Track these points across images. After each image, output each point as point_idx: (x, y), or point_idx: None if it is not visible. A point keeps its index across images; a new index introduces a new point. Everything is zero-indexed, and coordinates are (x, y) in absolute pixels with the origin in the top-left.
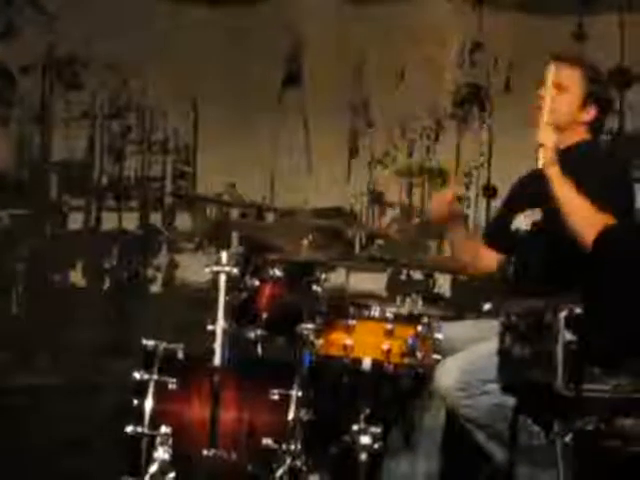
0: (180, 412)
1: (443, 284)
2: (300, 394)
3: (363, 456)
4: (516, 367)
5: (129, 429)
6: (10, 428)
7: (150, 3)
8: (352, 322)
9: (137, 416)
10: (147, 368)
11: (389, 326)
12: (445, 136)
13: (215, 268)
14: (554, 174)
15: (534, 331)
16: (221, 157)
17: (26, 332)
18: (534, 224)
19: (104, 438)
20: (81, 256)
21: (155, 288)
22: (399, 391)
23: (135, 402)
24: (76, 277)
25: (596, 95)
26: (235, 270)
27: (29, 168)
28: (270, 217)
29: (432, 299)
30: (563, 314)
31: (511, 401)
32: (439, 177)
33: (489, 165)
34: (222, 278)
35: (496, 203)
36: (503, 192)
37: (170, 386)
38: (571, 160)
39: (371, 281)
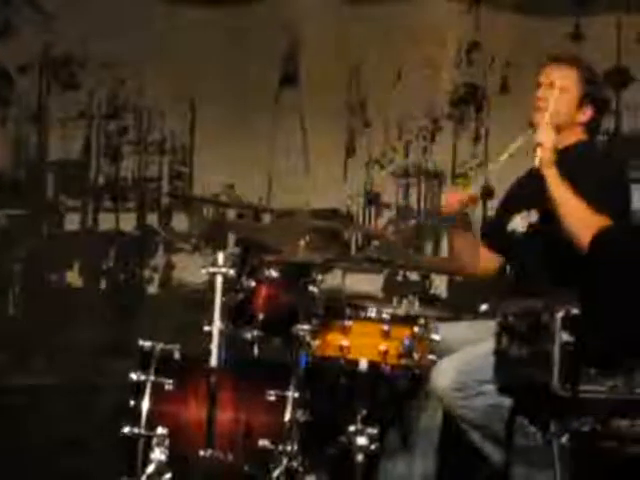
0: (177, 413)
1: (439, 285)
2: (297, 395)
3: (360, 457)
4: (513, 368)
5: (126, 430)
6: (7, 428)
7: (147, 3)
8: (348, 323)
9: (134, 417)
10: (144, 369)
11: (385, 327)
12: (442, 136)
13: (212, 269)
14: (551, 175)
15: (531, 332)
16: (218, 157)
17: (23, 332)
18: (530, 225)
19: (101, 438)
20: (78, 257)
21: (152, 289)
22: (396, 392)
23: (132, 403)
24: (73, 278)
25: (592, 96)
26: (231, 271)
27: (26, 168)
28: (267, 218)
29: (428, 300)
30: (560, 315)
31: (507, 402)
32: (436, 178)
33: (486, 166)
34: (219, 279)
35: (493, 204)
36: (500, 193)
37: (167, 387)
38: (568, 161)
39: (367, 282)
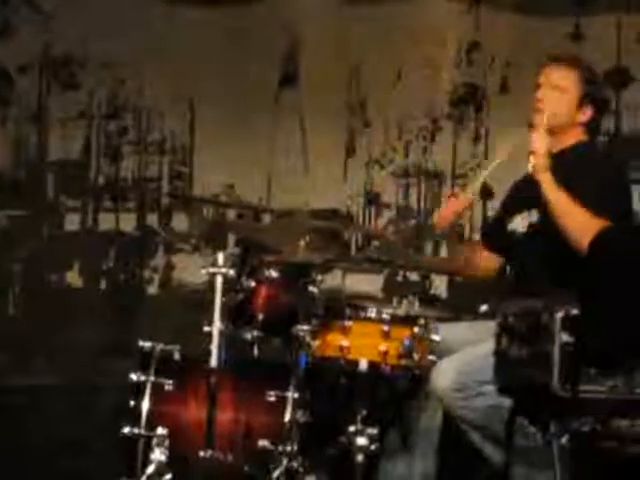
0: (177, 413)
1: (439, 285)
2: (296, 395)
3: (360, 457)
4: (513, 368)
5: (126, 430)
6: (7, 428)
7: (147, 3)
8: (348, 323)
9: (134, 417)
10: (144, 369)
11: (385, 327)
12: (442, 136)
13: (212, 269)
14: (546, 180)
15: (531, 332)
16: (218, 158)
17: (23, 333)
18: (531, 225)
19: (101, 439)
20: (78, 257)
21: (152, 289)
22: (395, 392)
23: (132, 403)
24: (73, 278)
25: (592, 96)
26: (231, 271)
27: (26, 168)
28: (267, 218)
29: (428, 300)
30: (559, 315)
31: (507, 402)
32: (436, 178)
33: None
34: (219, 279)
35: (492, 204)
36: (499, 193)
37: (167, 387)
38: (568, 162)
39: (367, 282)
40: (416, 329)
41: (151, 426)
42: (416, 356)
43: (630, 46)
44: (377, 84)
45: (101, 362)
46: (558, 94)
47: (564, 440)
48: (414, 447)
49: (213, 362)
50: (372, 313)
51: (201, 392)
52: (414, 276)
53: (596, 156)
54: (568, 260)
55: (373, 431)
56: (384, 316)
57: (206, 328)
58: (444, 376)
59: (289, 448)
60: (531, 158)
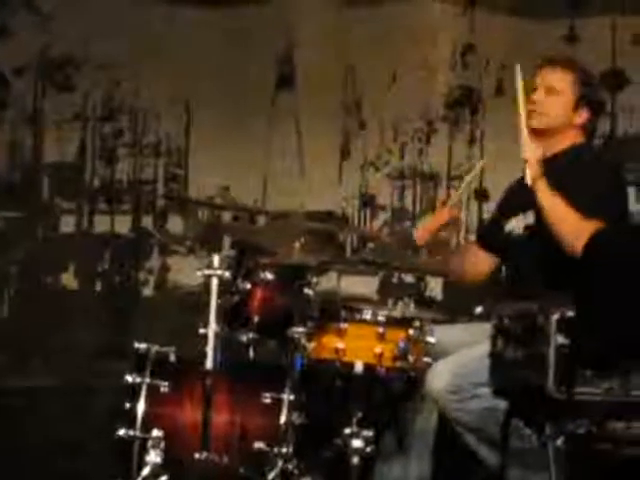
0: (172, 415)
1: (435, 287)
2: (292, 397)
3: (355, 459)
4: (508, 370)
5: (121, 432)
6: (2, 429)
7: (144, 4)
8: (344, 325)
9: (129, 419)
10: (139, 371)
11: (381, 329)
12: (437, 139)
13: (207, 271)
14: (541, 188)
15: (526, 334)
16: (213, 160)
17: (18, 335)
18: (527, 227)
19: (97, 441)
20: (73, 259)
21: (147, 291)
22: (391, 394)
23: (127, 405)
24: (68, 280)
25: (588, 98)
26: (227, 273)
27: (21, 170)
28: (262, 220)
29: (424, 302)
30: (555, 317)
31: (502, 404)
32: (431, 180)
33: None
34: (214, 281)
35: (488, 206)
36: (495, 195)
37: (162, 389)
38: (564, 164)
39: (363, 284)
40: (411, 331)
41: (146, 428)
42: (411, 358)
43: (625, 48)
44: (372, 86)
45: (96, 364)
46: (554, 96)
47: (559, 442)
48: (409, 449)
49: (208, 364)
50: (367, 315)
51: (196, 394)
52: (409, 278)
53: (592, 158)
54: (564, 262)
55: (368, 433)
56: (379, 318)
57: (201, 330)
58: (439, 378)
59: (284, 450)
60: (526, 167)
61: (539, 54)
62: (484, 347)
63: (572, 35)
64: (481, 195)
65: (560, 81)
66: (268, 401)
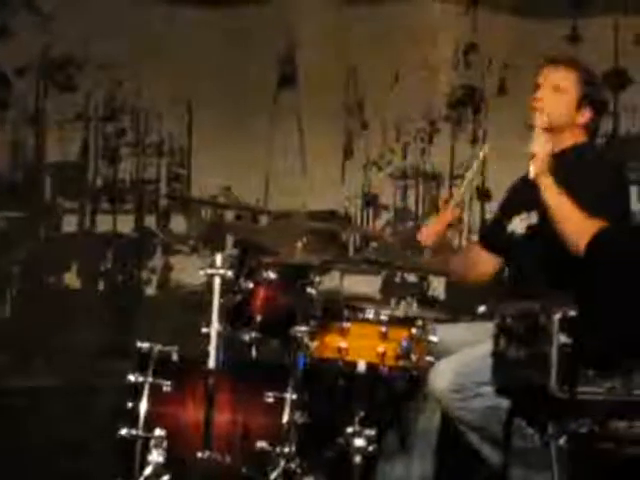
0: (174, 414)
1: (437, 287)
2: (294, 397)
3: (358, 459)
4: (510, 369)
5: (123, 431)
6: (4, 429)
7: (145, 4)
8: (346, 325)
9: (131, 418)
10: (142, 370)
11: (383, 329)
12: (439, 138)
13: (210, 271)
14: (546, 184)
15: (528, 333)
16: (215, 159)
17: (21, 334)
18: (529, 227)
19: (100, 440)
20: (76, 258)
21: (150, 291)
22: (393, 394)
23: (129, 404)
24: (71, 279)
25: (591, 97)
26: (229, 273)
27: (23, 170)
28: (264, 220)
29: (426, 302)
30: (557, 316)
31: (505, 403)
32: (433, 180)
33: (483, 168)
34: (217, 281)
35: (490, 206)
36: (497, 195)
37: (165, 388)
38: (566, 163)
39: (365, 284)
40: (414, 330)
41: (149, 427)
42: (414, 357)
43: (628, 48)
44: (375, 86)
45: (99, 363)
46: (557, 95)
47: (562, 441)
48: (412, 448)
49: (211, 363)
50: (370, 314)
51: (199, 393)
52: (412, 277)
53: (595, 157)
54: (566, 262)
55: (371, 432)
56: (382, 317)
57: (204, 329)
58: (442, 377)
59: (287, 449)
60: (531, 161)
61: (541, 54)
62: (487, 346)
63: (575, 35)
64: (483, 195)
65: (563, 80)
66: (271, 400)
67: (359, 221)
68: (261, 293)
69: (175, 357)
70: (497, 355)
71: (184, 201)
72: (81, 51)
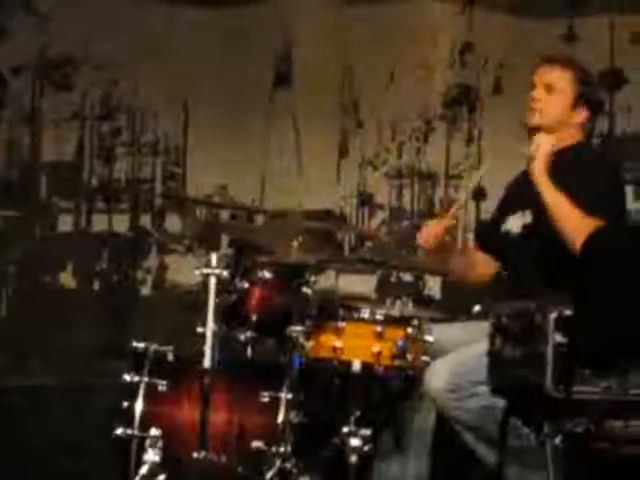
0: (170, 414)
1: (433, 286)
2: (290, 396)
3: (353, 458)
4: (506, 369)
5: (119, 431)
6: (2, 429)
7: (141, 4)
8: (342, 324)
9: (127, 418)
10: (137, 370)
11: (379, 328)
12: (435, 137)
13: (205, 270)
14: (544, 183)
15: (524, 333)
16: (211, 159)
17: (17, 334)
18: (524, 226)
19: (96, 440)
20: (71, 258)
21: (145, 290)
22: (389, 393)
23: (125, 404)
24: (66, 279)
25: (587, 96)
26: (225, 272)
27: (19, 169)
28: (260, 219)
29: (422, 301)
30: (553, 316)
31: (501, 403)
32: (429, 179)
33: (478, 167)
34: (212, 280)
35: (486, 205)
36: (492, 194)
37: (160, 388)
38: (563, 163)
39: (361, 283)
40: (409, 330)
41: (144, 427)
42: (409, 357)
43: (623, 47)
44: (370, 85)
45: (95, 363)
46: (553, 94)
47: (557, 441)
48: (408, 448)
49: (207, 363)
50: (365, 314)
51: (194, 393)
52: (408, 277)
53: (591, 157)
54: (562, 261)
55: (367, 432)
56: (377, 317)
57: (199, 329)
58: (438, 377)
59: (282, 449)
60: (530, 161)
61: (537, 53)
62: (482, 346)
63: (571, 34)
64: (479, 194)
65: (559, 79)
66: (266, 400)
67: (355, 220)
68: (256, 293)
69: (171, 357)
70: (493, 355)
71: (179, 200)
72: (78, 51)
